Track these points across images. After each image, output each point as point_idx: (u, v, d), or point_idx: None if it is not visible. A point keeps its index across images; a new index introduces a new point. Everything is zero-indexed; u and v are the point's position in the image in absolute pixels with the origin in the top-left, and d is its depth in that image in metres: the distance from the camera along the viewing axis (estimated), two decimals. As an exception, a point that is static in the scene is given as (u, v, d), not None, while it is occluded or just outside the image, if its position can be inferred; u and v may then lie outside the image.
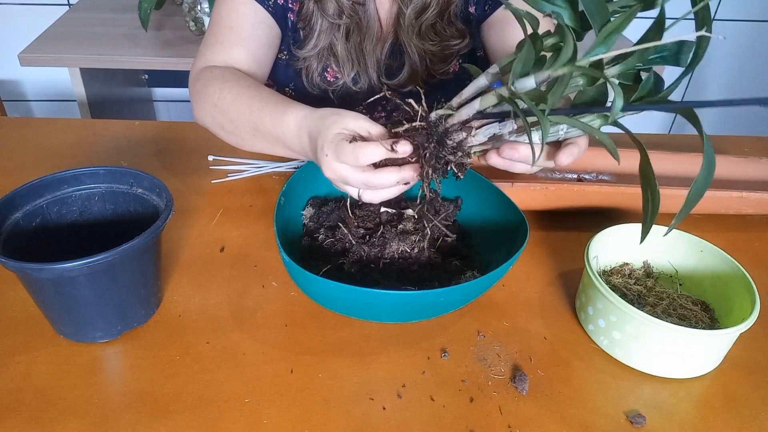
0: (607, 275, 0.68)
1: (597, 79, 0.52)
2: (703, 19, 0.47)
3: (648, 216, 0.51)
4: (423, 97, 0.55)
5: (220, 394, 0.54)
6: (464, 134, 0.54)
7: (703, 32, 0.45)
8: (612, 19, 0.47)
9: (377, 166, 0.54)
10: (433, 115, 0.54)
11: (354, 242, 0.65)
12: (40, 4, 1.85)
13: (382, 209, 0.70)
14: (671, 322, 0.56)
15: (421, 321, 0.63)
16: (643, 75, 0.52)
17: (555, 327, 0.64)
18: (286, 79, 0.91)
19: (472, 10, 0.89)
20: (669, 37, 0.48)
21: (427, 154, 0.53)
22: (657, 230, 0.68)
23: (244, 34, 0.82)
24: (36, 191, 0.60)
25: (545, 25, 0.82)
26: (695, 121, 0.48)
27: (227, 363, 0.57)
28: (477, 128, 0.54)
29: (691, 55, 0.51)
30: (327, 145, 0.55)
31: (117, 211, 0.65)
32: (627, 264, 0.70)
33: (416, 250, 0.65)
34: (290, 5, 0.85)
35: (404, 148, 0.52)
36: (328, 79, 0.89)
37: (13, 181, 0.66)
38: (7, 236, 0.56)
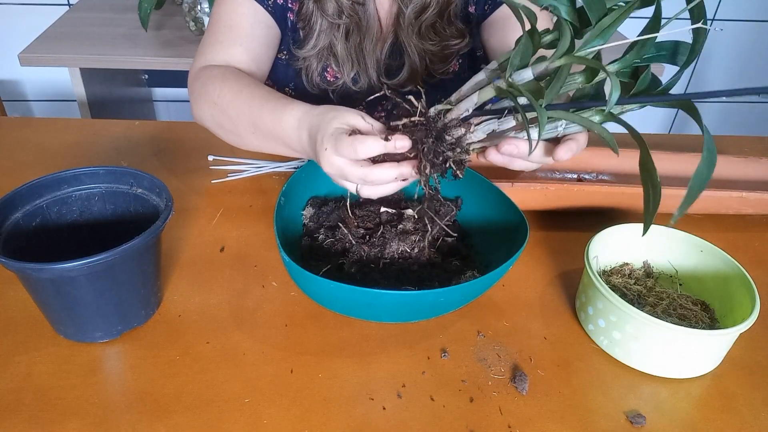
0: (607, 275, 0.68)
1: (595, 75, 0.52)
2: (698, 15, 0.47)
3: (649, 210, 0.50)
4: (423, 95, 0.54)
5: (220, 394, 0.54)
6: (463, 130, 0.54)
7: (699, 24, 0.46)
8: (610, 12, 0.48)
9: (376, 162, 0.55)
10: (432, 111, 0.54)
11: (354, 242, 0.65)
12: (40, 4, 1.85)
13: (382, 209, 0.70)
14: (671, 322, 0.56)
15: (421, 321, 0.63)
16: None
17: (555, 327, 0.64)
18: (286, 79, 0.91)
19: (471, 9, 0.89)
20: (667, 37, 0.48)
21: (425, 149, 0.53)
22: (657, 230, 0.68)
23: (243, 34, 0.82)
24: (36, 191, 0.60)
25: (545, 23, 0.82)
26: (694, 113, 0.47)
27: (227, 363, 0.57)
28: (476, 125, 0.54)
29: (687, 55, 0.51)
30: (327, 138, 0.55)
31: (117, 211, 0.65)
32: (627, 264, 0.70)
33: (416, 250, 0.65)
34: (290, 5, 0.85)
35: (402, 143, 0.52)
36: (328, 78, 0.89)
37: (13, 181, 0.66)
38: (7, 236, 0.56)
